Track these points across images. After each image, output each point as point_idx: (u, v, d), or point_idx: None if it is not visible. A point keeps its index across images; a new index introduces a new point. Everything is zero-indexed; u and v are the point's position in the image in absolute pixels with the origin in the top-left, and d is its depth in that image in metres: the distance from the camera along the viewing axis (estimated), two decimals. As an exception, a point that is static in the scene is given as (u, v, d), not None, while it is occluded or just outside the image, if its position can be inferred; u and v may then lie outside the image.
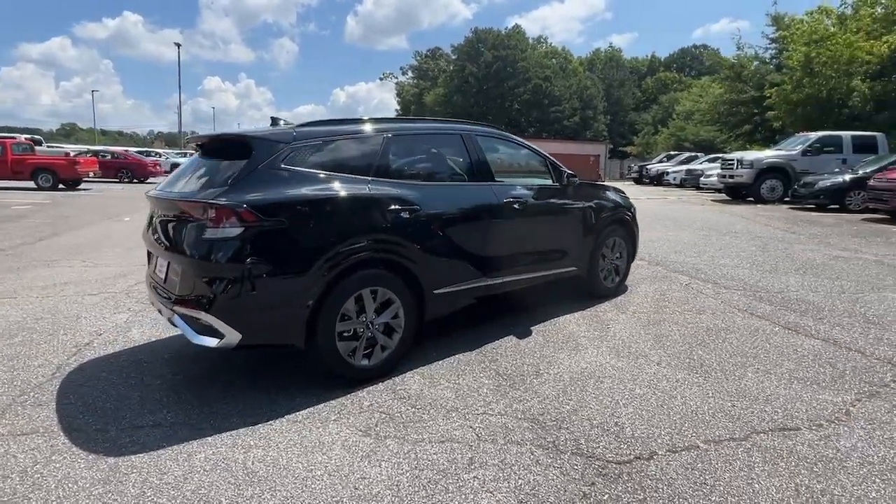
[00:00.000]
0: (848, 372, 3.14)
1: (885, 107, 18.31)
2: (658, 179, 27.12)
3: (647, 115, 63.74)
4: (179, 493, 2.03)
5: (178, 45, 40.79)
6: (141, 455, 2.30)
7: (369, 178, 3.09)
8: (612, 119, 67.47)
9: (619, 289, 4.97)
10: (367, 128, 3.29)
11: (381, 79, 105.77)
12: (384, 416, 2.65)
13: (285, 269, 2.68)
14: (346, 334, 2.92)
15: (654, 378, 3.07)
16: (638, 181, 29.70)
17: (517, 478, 2.13)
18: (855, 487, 2.05)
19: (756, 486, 2.07)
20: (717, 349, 3.52)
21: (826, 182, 12.43)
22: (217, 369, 3.25)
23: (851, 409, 2.69)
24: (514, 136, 4.22)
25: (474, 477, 2.13)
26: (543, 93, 62.00)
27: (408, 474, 2.15)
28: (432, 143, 3.66)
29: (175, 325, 2.85)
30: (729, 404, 2.74)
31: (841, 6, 21.22)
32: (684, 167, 24.96)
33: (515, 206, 3.81)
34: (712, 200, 16.28)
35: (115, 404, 2.78)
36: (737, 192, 16.01)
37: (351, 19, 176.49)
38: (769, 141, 25.53)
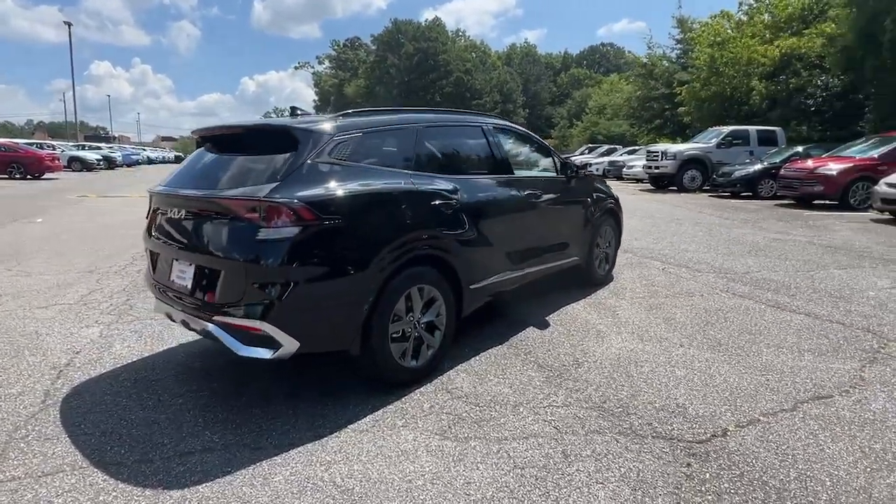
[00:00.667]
0: (842, 342, 3.50)
1: (777, 105, 20.51)
2: (581, 171, 28.50)
3: (562, 109, 66.73)
4: (279, 522, 1.84)
5: (69, 25, 36.52)
6: (208, 484, 2.05)
7: (410, 172, 2.95)
8: (530, 112, 69.82)
9: (608, 276, 5.17)
10: (402, 119, 3.15)
11: (295, 68, 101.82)
12: (452, 416, 2.56)
13: (345, 270, 2.49)
14: (395, 335, 2.78)
15: (686, 359, 3.23)
16: (562, 173, 31.01)
17: (617, 466, 2.15)
18: (907, 444, 2.29)
19: (827, 450, 2.24)
20: (725, 328, 3.78)
21: (741, 172, 13.74)
22: (238, 381, 2.97)
23: (863, 374, 3.00)
24: (523, 129, 4.23)
25: (577, 470, 2.13)
26: (465, 86, 62.81)
27: (511, 474, 2.10)
28: (458, 135, 3.58)
29: (211, 337, 2.54)
30: (763, 378, 2.95)
31: (738, 12, 23.48)
32: (606, 159, 26.41)
33: (533, 199, 3.83)
34: (640, 190, 17.40)
35: (143, 430, 2.45)
36: (660, 182, 17.23)
37: (258, 4, 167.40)
38: (677, 135, 27.72)
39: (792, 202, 12.21)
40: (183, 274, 2.69)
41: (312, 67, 78.55)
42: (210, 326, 2.49)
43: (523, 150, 4.27)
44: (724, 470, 2.12)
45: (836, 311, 4.15)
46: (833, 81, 18.88)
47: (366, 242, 2.58)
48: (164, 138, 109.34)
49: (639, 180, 21.16)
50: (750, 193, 13.67)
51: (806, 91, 19.66)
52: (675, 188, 16.39)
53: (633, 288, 4.89)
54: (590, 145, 33.00)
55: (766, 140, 15.98)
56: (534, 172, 4.24)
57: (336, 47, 74.14)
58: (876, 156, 10.49)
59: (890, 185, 8.61)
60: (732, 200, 13.32)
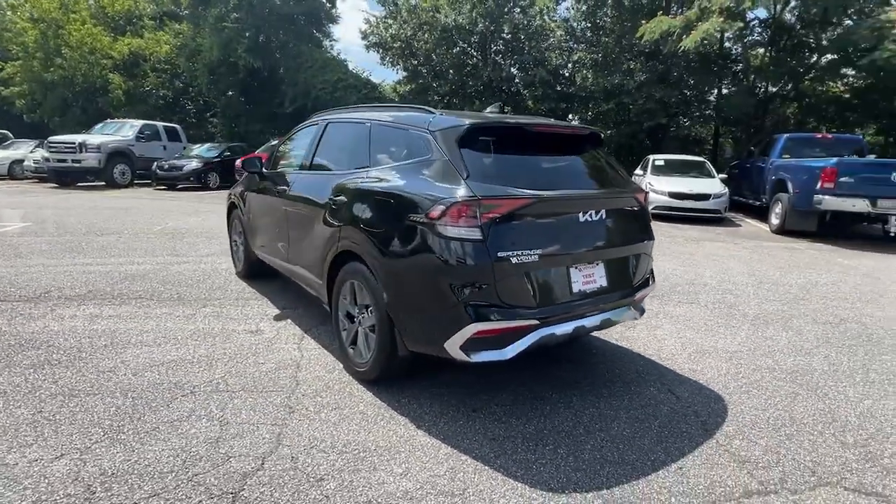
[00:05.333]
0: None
1: (134, 100, 21.12)
2: None
3: None
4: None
5: None
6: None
7: None
8: None
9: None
10: None
11: None
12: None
13: None
14: None
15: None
16: None
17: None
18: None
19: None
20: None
21: (189, 166, 14.72)
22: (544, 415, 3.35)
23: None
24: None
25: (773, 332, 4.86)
26: None
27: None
28: None
29: (627, 318, 3.02)
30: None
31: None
32: None
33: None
34: (95, 189, 14.34)
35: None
36: (78, 178, 15.01)
37: None
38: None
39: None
40: (591, 276, 2.80)
41: None
42: (631, 310, 3.02)
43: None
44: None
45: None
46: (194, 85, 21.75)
47: None
48: None
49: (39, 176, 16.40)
50: (200, 185, 14.92)
51: (160, 91, 21.59)
52: (104, 184, 14.84)
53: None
54: None
55: (172, 134, 17.14)
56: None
57: None
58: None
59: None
60: (174, 192, 14.14)
